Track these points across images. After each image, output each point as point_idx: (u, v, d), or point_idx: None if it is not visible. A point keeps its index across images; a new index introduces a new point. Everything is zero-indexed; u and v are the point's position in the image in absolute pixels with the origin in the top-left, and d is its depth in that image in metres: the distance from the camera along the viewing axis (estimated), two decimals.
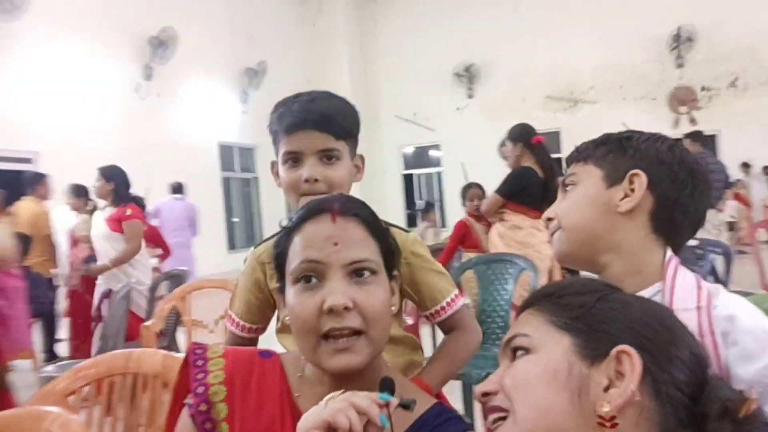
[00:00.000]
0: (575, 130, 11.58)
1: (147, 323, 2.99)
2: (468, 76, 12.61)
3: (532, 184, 3.42)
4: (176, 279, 4.29)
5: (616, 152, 0.94)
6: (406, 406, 0.75)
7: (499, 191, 3.52)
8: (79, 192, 5.29)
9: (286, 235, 0.89)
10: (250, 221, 12.16)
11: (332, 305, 0.79)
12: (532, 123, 3.72)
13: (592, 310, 0.72)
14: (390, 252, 0.89)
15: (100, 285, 4.15)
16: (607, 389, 0.66)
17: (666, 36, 11.11)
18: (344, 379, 0.81)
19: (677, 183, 0.91)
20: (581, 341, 0.69)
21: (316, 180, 1.19)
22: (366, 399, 0.70)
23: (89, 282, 4.62)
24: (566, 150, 11.37)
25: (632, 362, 0.66)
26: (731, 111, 10.80)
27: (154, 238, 5.39)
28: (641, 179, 0.90)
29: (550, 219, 1.00)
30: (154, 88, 9.29)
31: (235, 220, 11.75)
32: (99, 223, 4.21)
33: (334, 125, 1.20)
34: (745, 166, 10.65)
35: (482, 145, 10.95)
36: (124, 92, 8.90)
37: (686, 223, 0.93)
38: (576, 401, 0.66)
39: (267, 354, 0.93)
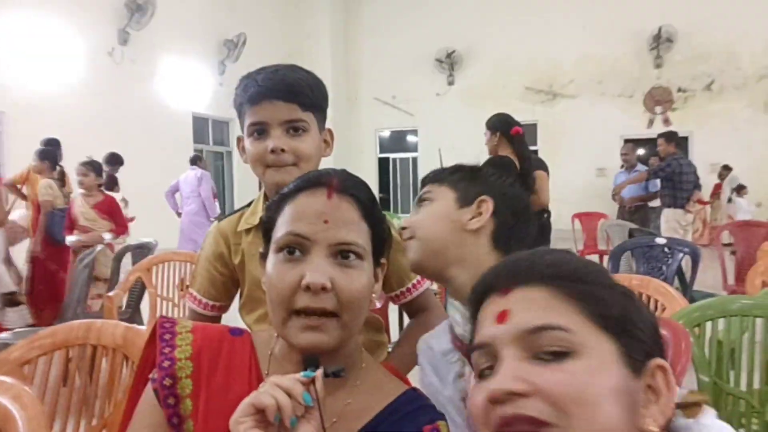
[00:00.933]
0: (552, 124, 11.69)
1: (110, 293, 2.93)
2: (449, 62, 12.57)
3: (507, 173, 3.42)
4: (142, 250, 4.20)
5: (468, 180, 1.10)
6: (335, 374, 0.74)
7: None
8: (44, 156, 5.13)
9: (278, 201, 0.86)
10: (222, 195, 12.01)
11: (310, 283, 0.76)
12: (511, 114, 3.72)
13: (632, 315, 0.63)
14: (381, 239, 0.87)
15: None
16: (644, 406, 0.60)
17: (647, 34, 11.24)
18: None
19: (515, 213, 1.08)
20: (623, 349, 0.60)
21: (282, 150, 1.16)
22: (289, 379, 0.70)
23: (51, 249, 4.53)
24: (542, 143, 11.47)
25: (668, 378, 0.61)
26: (705, 113, 10.99)
27: (111, 211, 4.86)
28: (488, 204, 1.05)
29: (404, 228, 1.09)
30: (129, 53, 9.05)
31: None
32: None
33: (300, 95, 1.17)
34: (726, 168, 10.71)
35: (460, 132, 11.01)
36: (98, 56, 8.64)
37: (517, 246, 1.05)
38: (630, 421, 0.58)
39: (237, 332, 0.91)
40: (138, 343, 1.50)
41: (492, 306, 0.65)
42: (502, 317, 0.62)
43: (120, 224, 4.85)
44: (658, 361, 0.61)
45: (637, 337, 0.61)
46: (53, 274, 4.37)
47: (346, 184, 0.84)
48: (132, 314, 3.51)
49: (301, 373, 0.71)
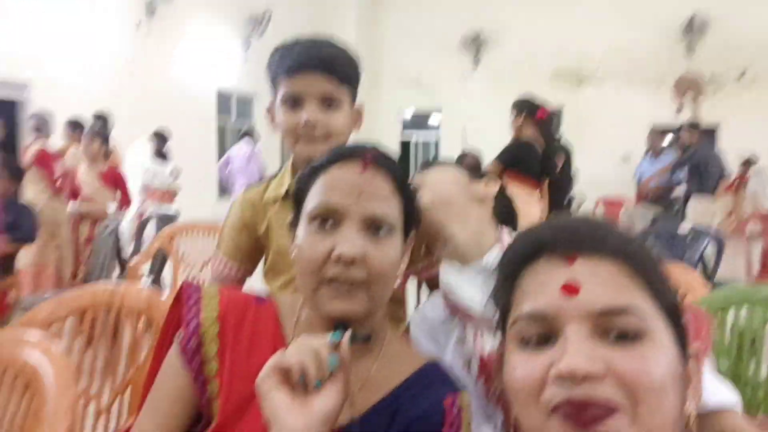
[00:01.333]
0: (578, 110, 11.52)
1: (133, 262, 2.98)
2: (475, 44, 12.42)
3: (531, 155, 3.41)
4: (165, 220, 4.26)
5: (474, 170, 1.19)
6: (364, 339, 0.75)
7: (499, 158, 3.51)
8: (75, 126, 5.25)
9: (310, 172, 0.86)
10: None
11: (341, 254, 0.77)
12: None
13: (679, 301, 0.61)
14: (411, 214, 0.87)
15: None
16: None
17: (679, 22, 10.96)
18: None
19: (508, 212, 1.19)
20: (675, 337, 0.59)
21: (315, 124, 1.16)
22: (317, 341, 0.70)
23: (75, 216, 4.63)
24: (568, 129, 11.31)
25: (699, 364, 0.61)
26: (735, 103, 10.74)
27: (116, 181, 4.74)
28: (496, 186, 1.15)
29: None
30: (156, 26, 9.08)
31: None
32: None
33: (338, 69, 1.17)
34: (750, 161, 10.47)
35: (483, 115, 10.89)
36: (125, 27, 8.69)
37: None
38: (681, 407, 0.57)
39: (262, 299, 0.91)
40: (161, 308, 1.52)
41: (551, 273, 0.59)
42: (570, 290, 0.57)
43: (125, 195, 4.66)
44: (695, 346, 0.61)
45: (683, 324, 0.60)
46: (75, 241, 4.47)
47: (379, 158, 0.84)
48: (154, 282, 3.57)
49: (329, 336, 0.71)
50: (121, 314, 1.57)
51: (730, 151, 8.47)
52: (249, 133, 7.57)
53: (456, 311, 1.04)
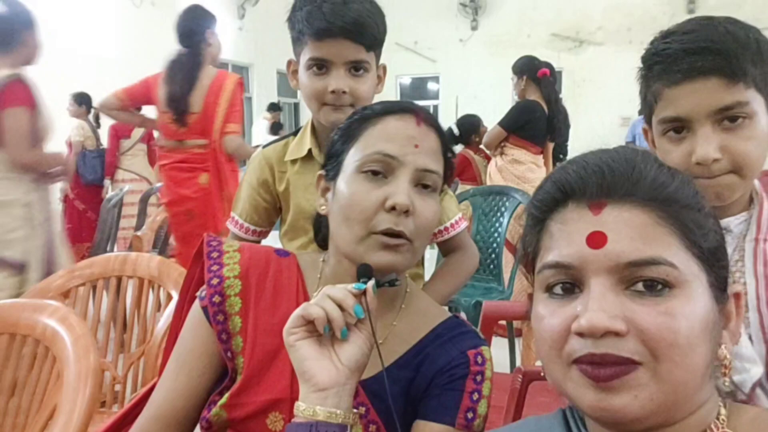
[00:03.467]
0: (578, 72, 11.40)
1: (138, 233, 2.99)
2: (473, 6, 12.23)
3: (536, 118, 3.38)
4: None
5: None
6: (390, 283, 0.75)
7: (501, 124, 3.47)
8: (80, 100, 5.27)
9: (358, 121, 0.86)
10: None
11: (397, 204, 0.78)
12: None
13: (722, 243, 0.58)
14: (447, 175, 0.89)
15: None
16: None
17: None
18: None
19: None
20: (713, 280, 0.56)
21: (343, 92, 1.16)
22: (341, 290, 0.70)
23: (81, 189, 4.63)
24: (567, 91, 11.21)
25: (739, 303, 0.58)
26: None
27: None
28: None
29: None
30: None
31: None
32: None
33: (367, 35, 1.16)
34: None
35: (483, 80, 10.79)
36: (120, 1, 8.55)
37: None
38: (712, 354, 0.55)
39: (284, 253, 0.92)
40: (173, 275, 1.54)
41: (578, 221, 0.56)
42: (596, 242, 0.54)
43: None
44: (735, 288, 0.58)
45: (725, 267, 0.57)
46: (81, 214, 4.49)
47: (429, 116, 0.87)
48: (159, 254, 3.58)
49: (353, 285, 0.72)
50: (133, 282, 1.58)
51: None
52: None
53: None
